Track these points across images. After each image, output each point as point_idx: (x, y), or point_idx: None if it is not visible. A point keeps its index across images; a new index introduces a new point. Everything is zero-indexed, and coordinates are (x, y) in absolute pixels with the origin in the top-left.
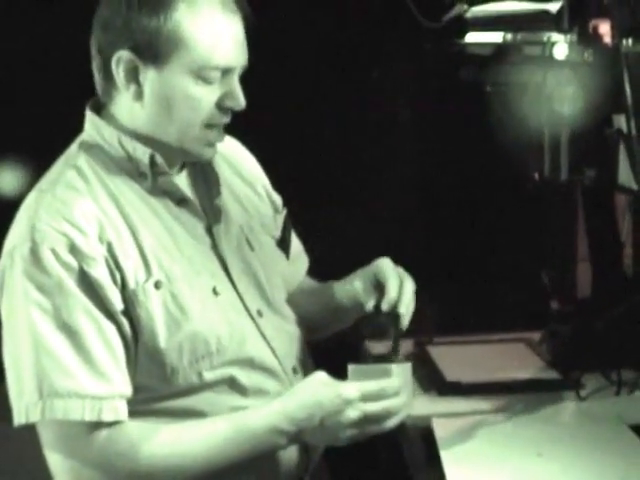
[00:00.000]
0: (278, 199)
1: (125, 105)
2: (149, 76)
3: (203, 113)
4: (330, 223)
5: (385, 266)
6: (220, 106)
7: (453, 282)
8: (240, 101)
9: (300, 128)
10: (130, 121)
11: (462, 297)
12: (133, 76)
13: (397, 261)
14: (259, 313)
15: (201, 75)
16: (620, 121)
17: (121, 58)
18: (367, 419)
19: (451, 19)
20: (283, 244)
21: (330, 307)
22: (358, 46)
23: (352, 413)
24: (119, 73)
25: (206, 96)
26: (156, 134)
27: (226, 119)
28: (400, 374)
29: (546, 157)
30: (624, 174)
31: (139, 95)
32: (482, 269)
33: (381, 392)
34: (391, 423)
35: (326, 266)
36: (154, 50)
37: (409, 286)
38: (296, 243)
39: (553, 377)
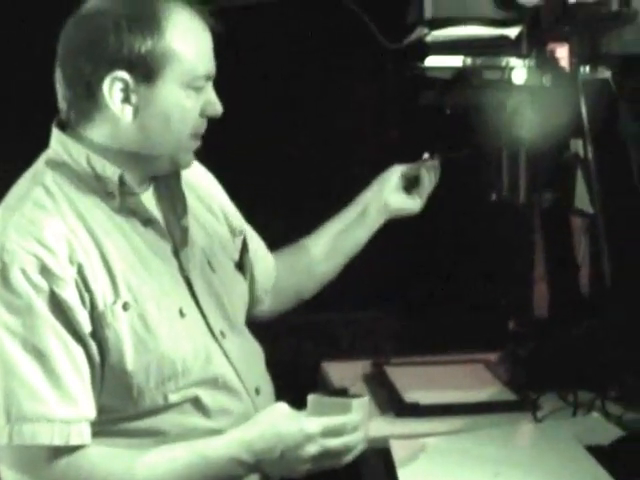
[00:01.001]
0: (236, 222)
1: (107, 125)
2: (141, 94)
3: (191, 123)
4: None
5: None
6: (202, 114)
7: (411, 303)
8: (219, 107)
9: (263, 145)
10: (111, 140)
11: (420, 318)
12: (126, 96)
13: (355, 281)
14: (222, 334)
15: (191, 85)
16: (577, 145)
17: (115, 80)
18: (326, 454)
19: (412, 42)
20: (241, 267)
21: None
22: (322, 63)
23: (312, 448)
24: (112, 95)
25: (194, 106)
26: (144, 150)
27: (204, 127)
28: (359, 409)
29: (505, 179)
30: (581, 197)
31: (134, 113)
32: (440, 290)
33: (341, 428)
34: (349, 458)
35: None
36: (148, 68)
37: None
38: (261, 245)
39: (510, 398)
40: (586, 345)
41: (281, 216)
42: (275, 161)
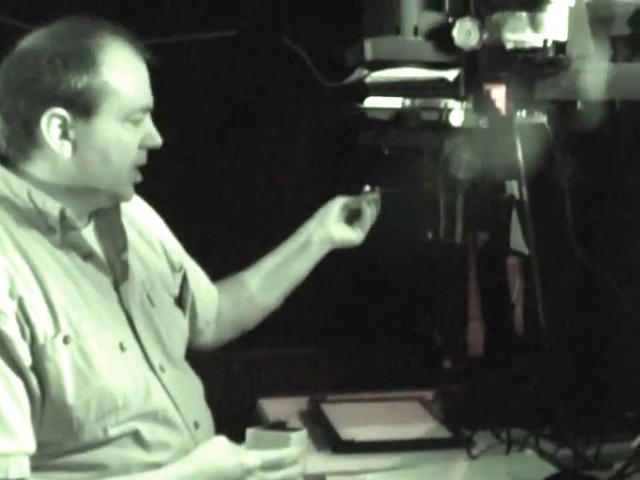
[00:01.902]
0: (175, 257)
1: (46, 161)
2: (79, 130)
3: (131, 155)
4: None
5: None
6: (141, 146)
7: (348, 341)
8: (158, 139)
9: (196, 184)
10: (50, 175)
11: (356, 356)
12: (64, 132)
13: (291, 319)
14: (162, 368)
15: (129, 119)
16: (513, 187)
17: (53, 117)
18: None
19: (352, 83)
20: (181, 302)
21: (295, 259)
22: (259, 103)
23: None
24: (50, 132)
25: (133, 139)
26: (84, 184)
27: (144, 159)
28: (298, 442)
29: (441, 220)
30: (516, 238)
31: (72, 150)
32: (376, 328)
33: (281, 461)
34: None
35: None
36: (85, 104)
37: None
38: (203, 278)
39: (445, 435)
40: (520, 383)
41: (222, 251)
42: (211, 196)
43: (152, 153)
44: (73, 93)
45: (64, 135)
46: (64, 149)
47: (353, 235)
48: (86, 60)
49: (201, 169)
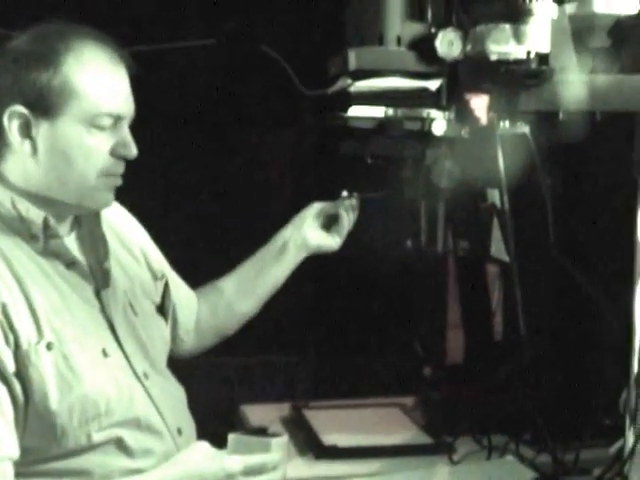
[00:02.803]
0: (157, 266)
1: (17, 163)
2: (42, 130)
3: (98, 162)
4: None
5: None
6: (114, 154)
7: (328, 348)
8: (132, 149)
9: (172, 192)
10: (23, 180)
11: (337, 363)
12: (26, 131)
13: (272, 326)
14: (145, 375)
15: (93, 123)
16: (494, 195)
17: (13, 114)
18: None
19: (335, 92)
20: (163, 310)
21: (272, 265)
22: (238, 111)
23: None
24: (11, 129)
25: (99, 145)
26: (52, 190)
27: (121, 168)
28: (279, 448)
29: (423, 228)
30: (497, 246)
31: (33, 150)
32: (357, 336)
33: (262, 466)
34: None
35: None
36: (46, 103)
37: None
38: (183, 287)
39: (426, 441)
40: (500, 390)
41: (201, 259)
42: (188, 204)
43: (130, 161)
44: (32, 91)
45: (26, 133)
46: (25, 147)
47: (330, 241)
48: (49, 59)
49: (176, 178)
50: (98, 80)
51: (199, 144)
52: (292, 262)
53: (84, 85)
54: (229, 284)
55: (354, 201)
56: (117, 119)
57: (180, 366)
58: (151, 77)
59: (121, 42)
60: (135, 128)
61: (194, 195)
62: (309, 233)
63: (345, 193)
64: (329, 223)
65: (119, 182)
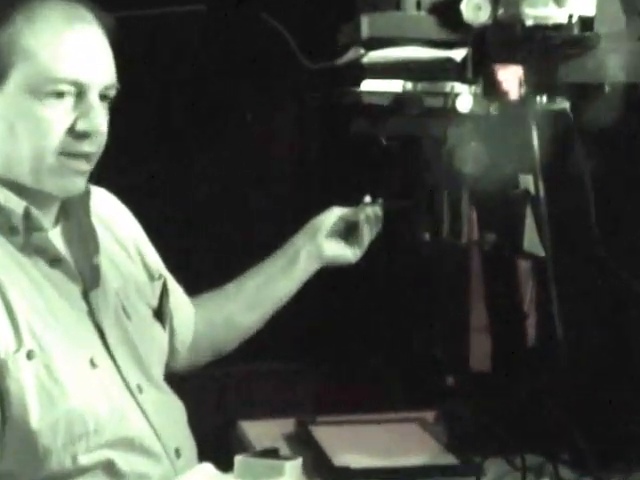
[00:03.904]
0: (154, 264)
1: None
2: None
3: (54, 138)
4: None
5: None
6: (73, 130)
7: (336, 356)
8: (95, 124)
9: (164, 179)
10: None
11: (346, 371)
12: None
13: (272, 330)
14: (139, 388)
15: (46, 91)
16: (527, 182)
17: None
18: None
19: (344, 64)
20: (160, 315)
21: (280, 277)
22: (234, 87)
23: None
24: None
25: (55, 118)
26: (12, 172)
27: (87, 147)
28: (293, 472)
29: (445, 218)
30: (530, 239)
31: None
32: (368, 340)
33: None
34: None
35: None
36: None
37: None
38: (181, 294)
39: (451, 462)
40: (534, 403)
41: (199, 259)
42: (182, 194)
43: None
44: None
45: None
46: None
47: (347, 252)
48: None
49: (168, 161)
50: (50, 41)
51: (186, 126)
52: (303, 274)
53: (33, 47)
54: (230, 294)
55: (378, 209)
56: (80, 88)
57: (166, 377)
58: (135, 46)
59: (104, 6)
60: (116, 103)
61: (185, 184)
62: (325, 243)
63: (368, 199)
64: (347, 232)
65: (86, 166)
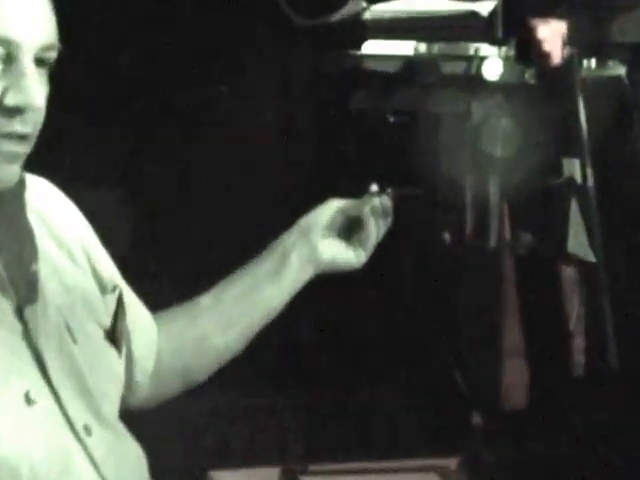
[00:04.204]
0: (106, 273)
1: None
2: None
3: None
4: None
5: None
6: (3, 105)
7: (330, 386)
8: (27, 96)
9: (129, 161)
10: None
11: (343, 408)
12: None
13: (253, 357)
14: (87, 429)
15: None
16: (572, 168)
17: None
18: None
19: (342, 21)
20: (114, 336)
21: (264, 288)
22: (208, 49)
23: None
24: None
25: None
26: None
27: (20, 126)
28: None
29: (468, 216)
30: (576, 240)
31: None
32: (372, 367)
33: None
34: None
35: None
36: None
37: None
38: (142, 310)
39: None
40: (584, 447)
41: (161, 267)
42: (148, 179)
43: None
44: None
45: None
46: None
47: (349, 255)
48: None
49: (134, 138)
50: None
51: (152, 96)
52: (295, 283)
53: None
54: (203, 308)
55: (387, 200)
56: (9, 49)
57: (123, 414)
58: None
59: None
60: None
61: (151, 167)
62: (321, 243)
63: (375, 187)
64: (350, 230)
65: (20, 149)
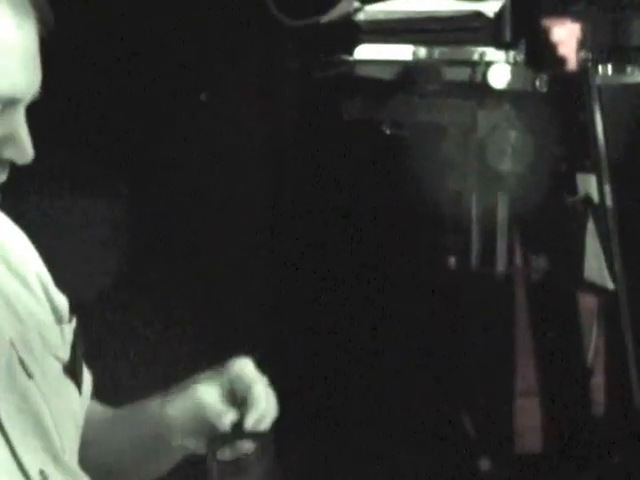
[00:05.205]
0: (63, 303)
1: None
2: None
3: None
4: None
5: (245, 369)
6: None
7: (328, 427)
8: (26, 152)
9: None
10: None
11: (342, 451)
12: None
13: None
14: (43, 476)
15: None
16: (588, 184)
17: None
18: None
19: (333, 22)
20: (72, 370)
21: (146, 438)
22: (188, 52)
23: None
24: None
25: None
26: None
27: (2, 175)
28: None
29: (474, 237)
30: (593, 264)
31: None
32: (374, 406)
33: None
34: None
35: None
36: None
37: (271, 398)
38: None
39: None
40: None
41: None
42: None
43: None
44: None
45: None
46: None
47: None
48: None
49: (103, 156)
50: None
51: (130, 104)
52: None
53: None
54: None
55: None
56: (8, 103)
57: None
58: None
59: None
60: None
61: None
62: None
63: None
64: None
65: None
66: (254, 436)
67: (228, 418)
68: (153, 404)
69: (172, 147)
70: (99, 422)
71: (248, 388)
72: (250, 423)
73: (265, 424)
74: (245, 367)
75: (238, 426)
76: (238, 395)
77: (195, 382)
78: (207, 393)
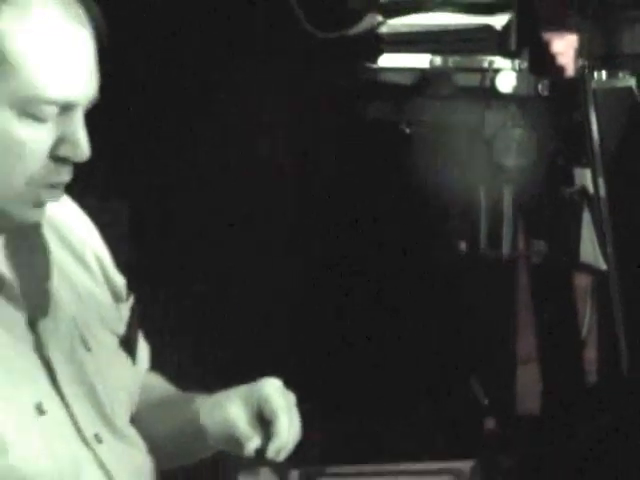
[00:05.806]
0: (120, 282)
1: None
2: None
3: (31, 164)
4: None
5: (274, 395)
6: (54, 155)
7: (348, 392)
8: (82, 150)
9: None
10: None
11: (361, 413)
12: None
13: (271, 362)
14: (97, 439)
15: (28, 111)
16: (584, 177)
17: None
18: None
19: (358, 34)
20: (128, 344)
21: (186, 430)
22: (224, 63)
23: None
24: None
25: (35, 140)
26: None
27: (65, 176)
28: None
29: (482, 224)
30: (588, 248)
31: None
32: (388, 374)
33: None
34: None
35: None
36: None
37: (295, 423)
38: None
39: None
40: (594, 453)
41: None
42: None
43: None
44: None
45: None
46: None
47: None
48: None
49: (139, 160)
50: (45, 48)
51: (159, 112)
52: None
53: (21, 53)
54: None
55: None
56: (65, 108)
57: None
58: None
59: None
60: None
61: (157, 188)
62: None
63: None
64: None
65: (58, 196)
66: (273, 462)
67: (254, 443)
68: (194, 406)
69: (196, 154)
70: (154, 399)
71: (274, 414)
72: (272, 453)
73: (285, 453)
74: (274, 391)
75: (261, 452)
76: (265, 416)
77: (229, 397)
78: (238, 415)
